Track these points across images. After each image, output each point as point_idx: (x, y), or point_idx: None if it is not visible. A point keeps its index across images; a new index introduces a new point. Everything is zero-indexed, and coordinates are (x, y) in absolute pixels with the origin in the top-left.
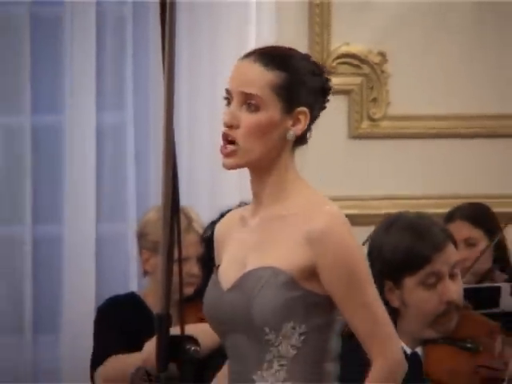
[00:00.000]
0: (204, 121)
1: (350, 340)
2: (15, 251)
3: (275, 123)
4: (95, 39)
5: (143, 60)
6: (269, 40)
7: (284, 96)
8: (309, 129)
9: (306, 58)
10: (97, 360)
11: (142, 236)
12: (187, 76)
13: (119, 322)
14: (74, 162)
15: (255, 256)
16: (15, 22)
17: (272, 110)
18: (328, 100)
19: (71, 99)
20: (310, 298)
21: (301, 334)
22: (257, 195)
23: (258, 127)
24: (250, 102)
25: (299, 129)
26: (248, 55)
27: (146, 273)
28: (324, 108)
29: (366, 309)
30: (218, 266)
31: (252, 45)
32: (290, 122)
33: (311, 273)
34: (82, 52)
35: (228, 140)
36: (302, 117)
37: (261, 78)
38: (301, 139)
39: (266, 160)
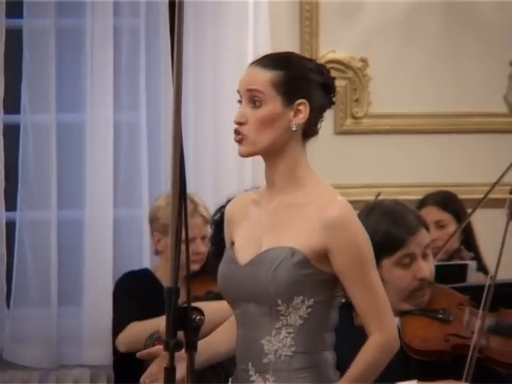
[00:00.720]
0: (208, 118)
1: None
2: (43, 233)
3: (278, 115)
4: (112, 48)
5: (154, 66)
6: (265, 49)
7: (283, 90)
8: (315, 121)
9: (304, 58)
10: (117, 327)
11: (153, 220)
12: (192, 74)
13: (134, 294)
14: (94, 155)
15: (271, 236)
16: (43, 32)
17: (273, 104)
18: (334, 95)
19: (91, 100)
20: (319, 276)
21: (308, 307)
22: (269, 180)
23: (263, 120)
24: (254, 98)
25: (300, 118)
26: (252, 63)
27: (157, 252)
28: (331, 104)
29: (368, 289)
30: (233, 243)
31: (250, 52)
32: (291, 114)
33: (323, 254)
34: (101, 59)
35: (238, 133)
36: (301, 107)
37: (261, 77)
38: (308, 132)
39: (274, 148)
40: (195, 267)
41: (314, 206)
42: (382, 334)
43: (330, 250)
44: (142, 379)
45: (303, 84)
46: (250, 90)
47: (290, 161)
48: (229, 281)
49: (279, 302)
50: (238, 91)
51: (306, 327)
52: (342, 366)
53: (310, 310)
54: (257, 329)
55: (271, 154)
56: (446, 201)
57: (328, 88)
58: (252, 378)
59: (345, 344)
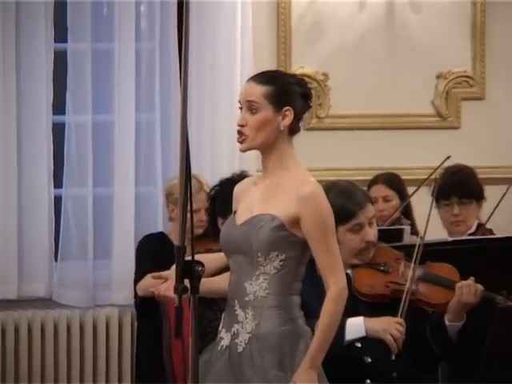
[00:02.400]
0: (207, 117)
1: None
2: (82, 205)
3: (269, 119)
4: (134, 64)
5: (166, 78)
6: (249, 68)
7: (273, 101)
8: (298, 122)
9: (288, 74)
10: (137, 277)
11: (169, 195)
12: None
13: (152, 251)
14: (120, 146)
15: (260, 206)
16: (82, 52)
17: (266, 111)
18: (310, 102)
19: (118, 104)
20: (291, 238)
21: (281, 260)
22: (264, 166)
23: (259, 123)
24: (252, 107)
25: (287, 121)
26: (249, 79)
27: (171, 219)
28: (309, 108)
29: (328, 250)
30: (235, 211)
31: (238, 71)
32: (280, 118)
33: (296, 221)
34: (126, 74)
35: (240, 134)
36: (288, 113)
37: (257, 90)
38: (293, 130)
39: (267, 144)
40: (199, 231)
41: (292, 185)
42: (337, 286)
43: (301, 217)
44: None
45: (288, 95)
46: (248, 101)
47: (278, 152)
48: (227, 236)
49: (259, 254)
50: (239, 101)
51: (279, 276)
52: (306, 305)
53: (282, 262)
54: (242, 274)
55: (265, 148)
56: (392, 180)
57: (307, 96)
58: (237, 312)
59: (309, 287)
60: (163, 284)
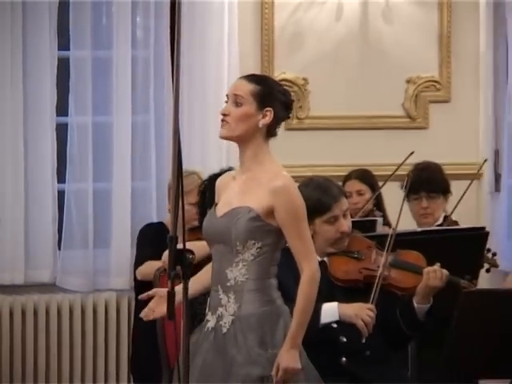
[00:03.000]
0: (197, 119)
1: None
2: (83, 199)
3: (251, 114)
4: (131, 70)
5: (160, 83)
6: (235, 73)
7: (258, 99)
8: (275, 127)
9: (276, 82)
10: (137, 263)
11: (170, 189)
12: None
13: (152, 239)
14: (118, 145)
15: (238, 199)
16: (83, 59)
17: (249, 107)
18: (290, 112)
19: (116, 107)
20: (266, 227)
21: (257, 248)
22: (241, 161)
23: (241, 115)
24: (237, 100)
25: (266, 120)
26: (241, 77)
27: (169, 211)
28: (288, 117)
29: (300, 237)
30: (217, 204)
31: (225, 76)
32: (260, 116)
33: (270, 212)
34: (123, 79)
35: (223, 120)
36: (268, 113)
37: (245, 86)
38: (270, 132)
39: (245, 137)
40: (196, 223)
41: (266, 178)
42: (310, 269)
43: (275, 208)
44: (141, 314)
45: (272, 98)
46: (235, 94)
47: (254, 148)
48: (209, 227)
49: (238, 243)
50: (227, 95)
51: (256, 262)
52: (285, 287)
53: (258, 250)
54: (223, 262)
55: (243, 141)
56: (364, 176)
57: (287, 106)
58: (220, 296)
59: (287, 270)
60: (151, 304)
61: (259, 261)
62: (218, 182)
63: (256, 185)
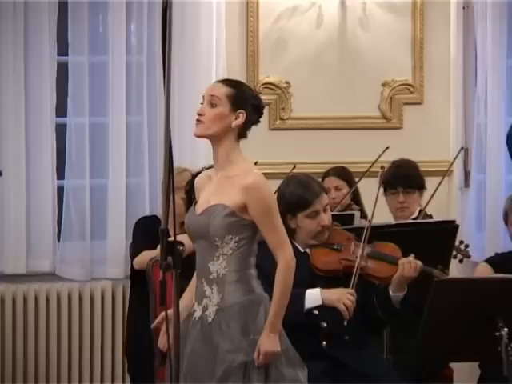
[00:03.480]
0: (187, 120)
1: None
2: (81, 194)
3: (224, 115)
4: (125, 75)
5: (153, 87)
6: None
7: (232, 101)
8: (246, 129)
9: (249, 87)
10: (134, 253)
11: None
12: (177, 85)
13: (146, 231)
14: (114, 145)
15: (214, 197)
16: (81, 64)
17: (223, 108)
18: (261, 116)
19: (112, 109)
20: (242, 222)
21: (235, 242)
22: (214, 160)
23: (215, 115)
24: (212, 101)
25: (238, 121)
26: (218, 80)
27: None
28: (258, 121)
29: (274, 229)
30: (196, 202)
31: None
32: (233, 117)
33: (243, 208)
34: (118, 83)
35: (198, 120)
36: (240, 115)
37: (221, 89)
38: (241, 133)
39: (218, 136)
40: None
41: (238, 177)
42: (284, 258)
43: (248, 204)
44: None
45: (245, 102)
46: (211, 96)
47: (226, 147)
48: (189, 224)
49: (216, 239)
50: (203, 96)
51: (235, 255)
52: (270, 275)
53: (236, 243)
54: (205, 256)
55: (216, 140)
56: (342, 172)
57: (259, 109)
58: (204, 288)
59: (269, 260)
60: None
61: (238, 254)
62: (196, 181)
63: (229, 183)
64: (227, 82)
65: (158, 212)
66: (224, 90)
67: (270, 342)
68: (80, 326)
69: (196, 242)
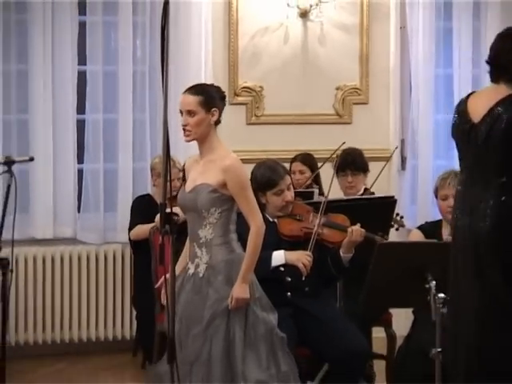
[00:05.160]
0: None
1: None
2: (96, 175)
3: (203, 119)
4: (132, 81)
5: (154, 90)
6: (209, 80)
7: (204, 106)
8: (220, 116)
9: (214, 86)
10: (130, 226)
11: (152, 169)
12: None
13: (141, 208)
14: (122, 137)
15: (200, 177)
16: (95, 73)
17: (200, 114)
18: (225, 101)
19: (121, 107)
20: (222, 197)
21: (219, 212)
22: (200, 149)
23: (197, 123)
24: (190, 112)
25: (214, 118)
26: (185, 91)
27: (154, 185)
28: (224, 105)
29: (247, 201)
30: (185, 181)
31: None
32: (210, 116)
33: (223, 185)
34: (126, 88)
35: (185, 130)
36: (215, 112)
37: (192, 100)
38: (217, 122)
39: (203, 136)
40: (174, 193)
41: (219, 160)
42: (255, 224)
43: (227, 182)
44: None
45: (213, 100)
46: (187, 110)
47: (209, 141)
48: (181, 200)
49: (203, 211)
50: (180, 110)
51: (219, 223)
52: (241, 236)
53: (219, 214)
54: (195, 225)
55: (201, 139)
56: (306, 158)
57: (223, 97)
58: (196, 250)
59: (243, 224)
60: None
61: (221, 222)
62: (186, 164)
63: (212, 166)
64: (193, 91)
65: (151, 191)
66: (195, 100)
67: (241, 290)
68: (96, 281)
69: (187, 214)
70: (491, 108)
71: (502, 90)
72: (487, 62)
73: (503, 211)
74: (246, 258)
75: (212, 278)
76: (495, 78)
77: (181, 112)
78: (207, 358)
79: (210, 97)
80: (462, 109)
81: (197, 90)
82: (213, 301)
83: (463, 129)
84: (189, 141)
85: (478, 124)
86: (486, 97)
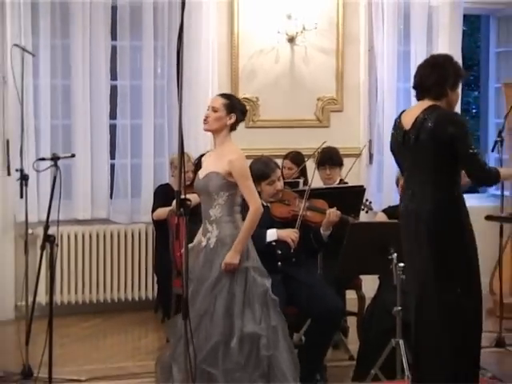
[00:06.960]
0: (192, 120)
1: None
2: (125, 169)
3: (221, 117)
4: (153, 94)
5: (171, 101)
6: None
7: (226, 108)
8: (236, 124)
9: (240, 101)
10: (153, 209)
11: (171, 163)
12: (187, 98)
13: (161, 194)
14: (146, 139)
15: (211, 167)
16: (124, 87)
17: (221, 112)
18: (245, 117)
19: (145, 113)
20: (229, 183)
21: (226, 196)
22: (214, 142)
23: (216, 117)
24: (214, 109)
25: (231, 121)
26: (218, 94)
27: (172, 176)
28: (243, 119)
29: (247, 187)
30: (200, 169)
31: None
32: (228, 118)
33: (229, 174)
34: (148, 98)
35: (205, 120)
36: (232, 117)
37: (219, 100)
38: (233, 127)
39: (218, 130)
40: (188, 182)
41: (226, 154)
42: (253, 206)
43: (232, 172)
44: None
45: (235, 108)
46: (213, 106)
47: (222, 137)
48: (196, 185)
49: (213, 194)
50: (208, 106)
51: (226, 204)
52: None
53: (226, 197)
54: (207, 205)
55: (216, 133)
56: (295, 157)
57: (244, 112)
58: (207, 226)
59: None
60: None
61: (228, 203)
62: (203, 158)
63: (221, 158)
64: (223, 95)
65: (170, 180)
66: (221, 101)
67: (232, 256)
68: (125, 253)
69: (201, 197)
70: (417, 116)
71: (425, 104)
72: (413, 87)
73: (437, 206)
74: (242, 231)
75: (220, 248)
76: (421, 97)
77: (208, 108)
78: (212, 311)
79: (233, 104)
80: (397, 122)
81: (226, 96)
82: (220, 265)
83: (398, 136)
84: (206, 129)
85: (409, 130)
86: (414, 110)
